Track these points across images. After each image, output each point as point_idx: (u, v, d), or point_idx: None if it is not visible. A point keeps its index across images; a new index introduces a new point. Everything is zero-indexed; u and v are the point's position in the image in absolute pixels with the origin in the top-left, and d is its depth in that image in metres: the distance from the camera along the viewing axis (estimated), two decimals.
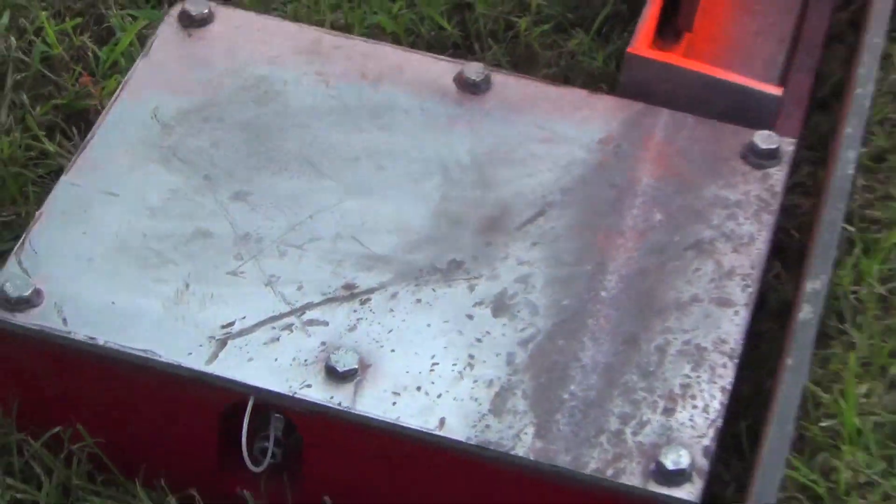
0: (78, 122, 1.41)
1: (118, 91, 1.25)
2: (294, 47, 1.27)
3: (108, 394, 1.08)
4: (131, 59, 1.42)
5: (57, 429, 1.08)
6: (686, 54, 1.40)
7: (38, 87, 1.44)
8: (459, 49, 1.50)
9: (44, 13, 1.50)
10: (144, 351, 1.00)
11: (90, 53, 1.46)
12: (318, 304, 1.06)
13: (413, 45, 1.48)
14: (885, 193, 1.38)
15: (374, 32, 1.49)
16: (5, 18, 1.51)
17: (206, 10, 1.26)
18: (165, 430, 1.09)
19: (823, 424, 1.16)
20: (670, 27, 1.40)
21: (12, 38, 1.46)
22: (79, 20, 1.52)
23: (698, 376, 1.03)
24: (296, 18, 1.48)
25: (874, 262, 1.31)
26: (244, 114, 1.18)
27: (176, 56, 1.25)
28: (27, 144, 1.37)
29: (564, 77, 1.47)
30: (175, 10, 1.28)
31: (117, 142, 1.19)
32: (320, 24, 1.47)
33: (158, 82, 1.21)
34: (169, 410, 1.06)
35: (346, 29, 1.47)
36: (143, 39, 1.47)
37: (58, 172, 1.34)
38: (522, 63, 1.46)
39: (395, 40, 1.50)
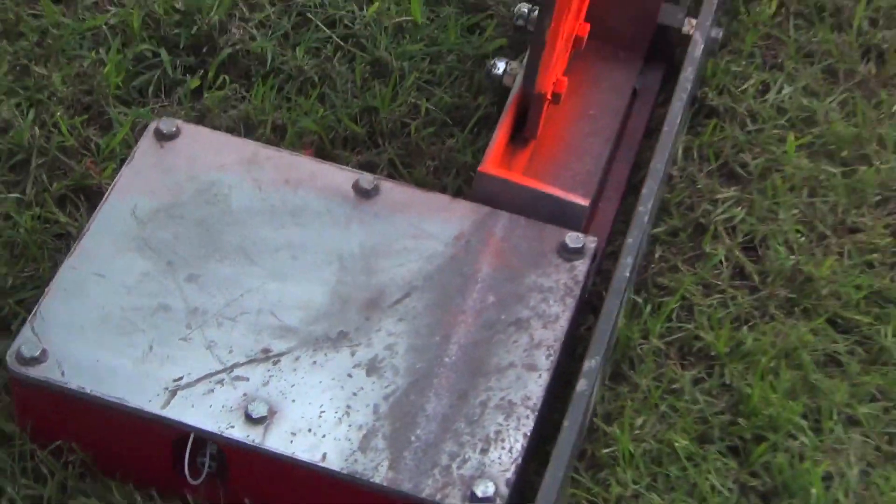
0: (83, 196, 1.47)
1: (108, 193, 1.37)
2: (238, 158, 1.38)
3: (94, 423, 1.22)
4: (126, 147, 1.49)
5: (58, 442, 1.23)
6: (532, 155, 1.46)
7: (54, 168, 1.50)
8: (367, 144, 1.50)
9: (59, 109, 1.51)
10: (118, 398, 1.16)
11: (93, 143, 1.49)
12: (243, 364, 1.20)
13: (332, 141, 1.51)
14: (674, 265, 1.43)
15: (304, 131, 1.50)
16: (31, 115, 1.52)
17: (175, 128, 1.37)
18: (134, 449, 1.24)
19: (606, 450, 1.26)
20: (521, 134, 1.42)
21: (36, 129, 1.50)
22: (85, 116, 1.54)
23: (507, 424, 1.18)
24: (246, 116, 1.51)
25: (658, 321, 1.37)
26: (199, 212, 1.32)
27: (151, 164, 1.37)
28: (45, 216, 1.46)
29: (444, 168, 1.48)
30: (152, 126, 1.38)
31: (106, 234, 1.33)
32: (264, 122, 1.50)
33: (137, 186, 1.35)
34: (136, 437, 1.20)
35: (282, 128, 1.50)
36: (136, 130, 1.51)
37: (66, 236, 1.45)
38: (413, 157, 1.49)
39: (320, 137, 1.49)
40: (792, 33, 1.61)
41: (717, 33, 1.56)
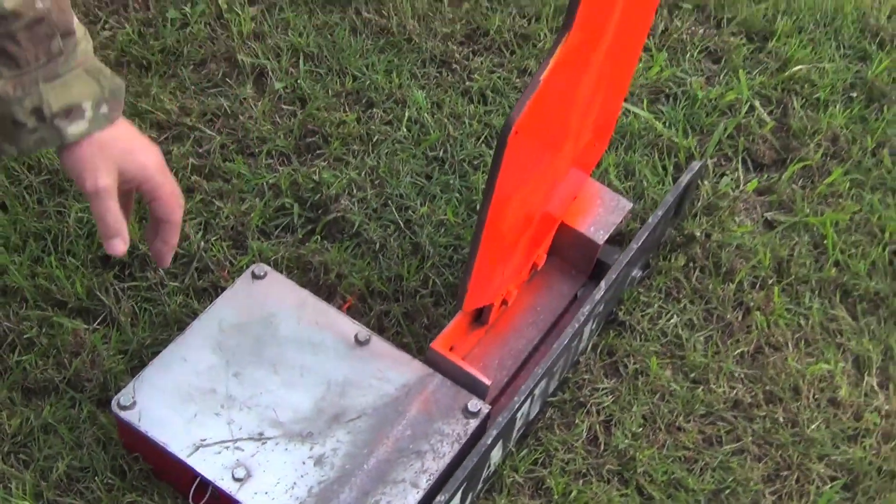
0: (215, 294, 1.58)
1: (210, 304, 1.46)
2: (293, 301, 1.46)
3: (153, 452, 1.37)
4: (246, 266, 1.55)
5: (136, 454, 1.41)
6: (485, 334, 1.55)
7: (203, 271, 1.63)
8: (390, 298, 1.63)
9: (220, 232, 1.66)
10: (164, 443, 1.31)
11: (230, 259, 1.63)
12: (244, 440, 1.34)
13: (370, 292, 1.62)
14: (552, 424, 1.51)
15: (352, 282, 1.63)
16: (202, 233, 1.63)
17: (264, 273, 1.47)
18: (171, 473, 1.39)
19: None
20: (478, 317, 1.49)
21: (202, 243, 1.62)
22: (230, 242, 1.67)
23: None
24: (326, 263, 1.61)
25: (525, 462, 1.46)
26: (257, 332, 1.42)
27: (242, 293, 1.45)
28: (187, 302, 1.58)
29: (433, 326, 1.59)
30: (250, 269, 1.47)
31: (199, 332, 1.43)
32: (333, 270, 1.62)
33: (229, 305, 1.45)
34: (172, 468, 1.35)
35: (343, 276, 1.62)
36: (260, 254, 1.63)
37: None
38: (416, 314, 1.60)
39: (361, 289, 1.62)
40: (692, 280, 1.67)
41: (637, 273, 1.63)
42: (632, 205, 1.58)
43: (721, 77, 1.92)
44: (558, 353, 1.38)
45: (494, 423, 1.32)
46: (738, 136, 1.86)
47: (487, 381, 1.36)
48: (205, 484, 1.31)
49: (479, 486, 1.40)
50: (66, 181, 1.68)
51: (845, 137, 1.84)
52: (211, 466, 1.31)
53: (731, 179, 1.79)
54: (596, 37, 1.21)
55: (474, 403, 1.37)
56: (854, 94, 1.93)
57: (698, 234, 1.69)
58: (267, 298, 1.47)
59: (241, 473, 1.31)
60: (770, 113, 1.90)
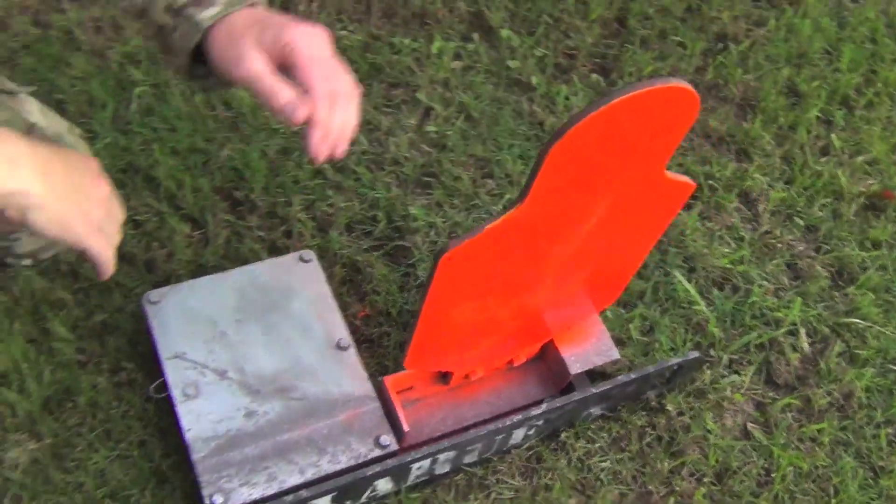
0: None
1: (256, 263, 1.49)
2: (315, 290, 1.48)
3: (153, 344, 1.37)
4: None
5: None
6: (450, 390, 1.46)
7: (285, 236, 1.66)
8: (396, 323, 1.57)
9: (299, 208, 1.66)
10: (157, 340, 1.34)
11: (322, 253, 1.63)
12: (209, 369, 1.35)
13: (379, 313, 1.58)
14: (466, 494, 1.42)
15: (372, 300, 1.59)
16: None
17: (310, 259, 1.49)
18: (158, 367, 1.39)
19: None
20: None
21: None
22: (317, 224, 1.67)
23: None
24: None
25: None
26: (273, 298, 1.46)
27: (284, 267, 1.50)
28: None
29: None
30: (300, 252, 1.49)
31: (235, 277, 1.48)
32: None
33: (269, 270, 1.48)
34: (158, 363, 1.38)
35: (374, 291, 1.58)
36: (333, 243, 1.63)
37: None
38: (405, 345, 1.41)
39: (376, 309, 1.59)
40: (641, 443, 1.56)
41: (597, 411, 1.56)
42: (618, 357, 1.53)
43: (787, 293, 1.79)
44: (473, 437, 1.36)
45: (389, 461, 1.31)
46: (767, 347, 1.72)
47: (406, 427, 1.34)
48: (163, 385, 1.36)
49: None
50: None
51: (858, 401, 1.67)
52: (176, 374, 1.35)
53: (734, 382, 1.66)
54: (565, 211, 1.11)
55: (385, 439, 1.35)
56: (892, 367, 1.72)
57: (671, 409, 1.59)
58: (297, 278, 1.48)
59: (190, 392, 1.34)
60: (810, 344, 1.74)
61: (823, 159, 2.01)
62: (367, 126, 1.84)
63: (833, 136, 2.05)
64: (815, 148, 2.03)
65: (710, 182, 1.90)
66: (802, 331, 1.75)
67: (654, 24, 2.15)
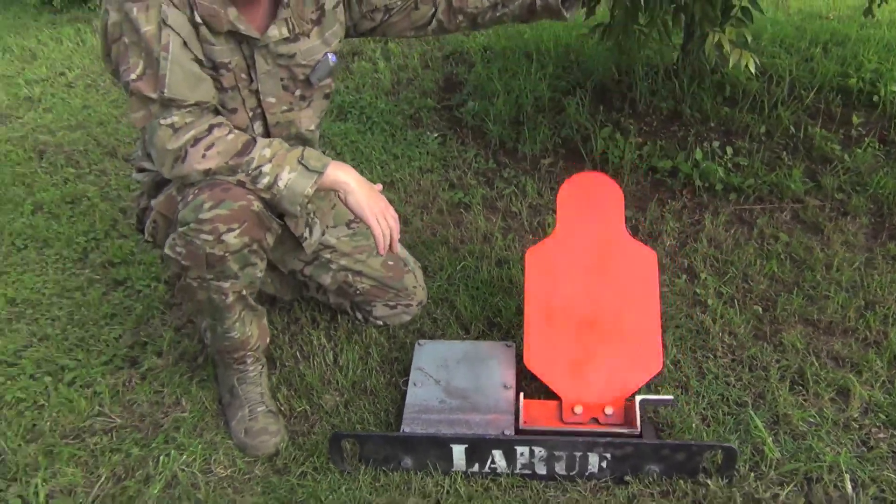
0: None
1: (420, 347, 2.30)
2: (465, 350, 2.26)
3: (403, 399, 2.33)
4: None
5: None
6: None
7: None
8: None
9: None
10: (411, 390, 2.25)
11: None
12: (431, 385, 2.33)
13: None
14: None
15: None
16: None
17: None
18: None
19: None
20: None
21: None
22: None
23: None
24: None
25: None
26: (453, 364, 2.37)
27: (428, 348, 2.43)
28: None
29: None
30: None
31: (420, 357, 2.28)
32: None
33: (426, 350, 2.34)
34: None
35: None
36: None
37: None
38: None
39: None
40: None
41: (655, 468, 1.84)
42: (638, 432, 1.92)
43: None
44: (554, 441, 1.83)
45: (501, 439, 1.96)
46: (811, 482, 1.84)
47: (523, 423, 1.97)
48: (407, 381, 2.24)
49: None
50: None
51: None
52: (414, 375, 2.13)
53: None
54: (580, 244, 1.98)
55: (507, 431, 1.93)
56: None
57: (716, 489, 1.80)
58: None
59: (417, 384, 2.15)
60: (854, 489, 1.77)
61: None
62: None
63: None
64: None
65: None
66: (848, 476, 1.80)
67: None
